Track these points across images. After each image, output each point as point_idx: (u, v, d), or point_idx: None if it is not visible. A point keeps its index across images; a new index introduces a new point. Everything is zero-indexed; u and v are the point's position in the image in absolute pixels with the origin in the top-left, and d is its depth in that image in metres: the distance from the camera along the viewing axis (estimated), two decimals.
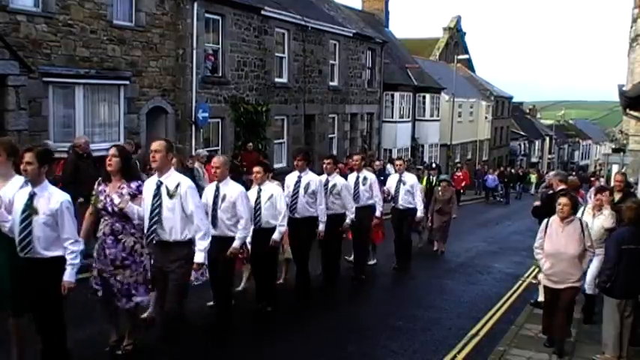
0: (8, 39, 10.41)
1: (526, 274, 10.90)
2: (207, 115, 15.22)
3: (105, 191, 5.40)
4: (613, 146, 40.37)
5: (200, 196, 5.66)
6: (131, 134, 13.36)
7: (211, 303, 6.93)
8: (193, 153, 13.58)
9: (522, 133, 54.35)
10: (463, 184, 25.02)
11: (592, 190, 9.12)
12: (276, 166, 17.16)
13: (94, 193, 5.49)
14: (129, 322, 5.72)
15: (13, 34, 10.70)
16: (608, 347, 6.19)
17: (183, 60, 14.65)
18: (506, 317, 8.14)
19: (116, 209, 5.26)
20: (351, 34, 22.61)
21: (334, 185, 8.35)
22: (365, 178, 9.21)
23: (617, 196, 7.99)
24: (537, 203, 8.86)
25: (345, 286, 9.05)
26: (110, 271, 5.39)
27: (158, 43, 14.07)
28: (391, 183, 10.34)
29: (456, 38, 46.56)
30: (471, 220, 19.15)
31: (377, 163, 14.09)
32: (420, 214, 10.29)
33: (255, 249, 7.05)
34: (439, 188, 12.74)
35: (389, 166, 18.23)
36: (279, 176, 8.83)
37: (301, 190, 7.73)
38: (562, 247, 6.23)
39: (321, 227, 7.88)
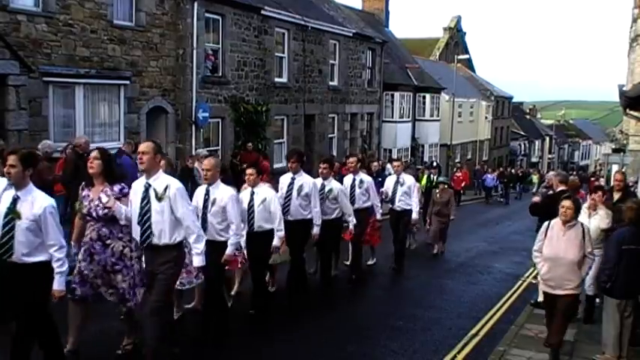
0: (8, 39, 10.42)
1: (526, 274, 10.90)
2: (207, 114, 15.22)
3: (89, 196, 5.27)
4: (613, 146, 40.41)
5: None
6: (131, 134, 13.36)
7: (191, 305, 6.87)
8: (193, 153, 13.60)
9: (522, 133, 54.35)
10: (463, 184, 25.07)
11: None
12: (276, 166, 17.19)
13: (78, 199, 5.36)
14: (126, 322, 5.67)
15: (13, 34, 10.70)
16: (608, 347, 6.18)
17: (184, 60, 14.65)
18: (507, 317, 8.13)
19: (102, 213, 5.13)
20: (351, 34, 22.60)
21: (330, 190, 8.20)
22: (361, 181, 9.14)
23: (616, 196, 7.95)
24: (535, 199, 8.75)
25: (345, 287, 9.05)
26: (101, 279, 5.27)
27: (158, 42, 14.07)
28: (389, 184, 10.30)
29: (456, 38, 46.54)
30: (471, 220, 19.16)
31: (374, 164, 14.01)
32: (415, 215, 10.22)
33: (250, 253, 6.97)
34: (437, 190, 12.70)
35: (389, 166, 18.23)
36: (277, 176, 8.75)
37: (294, 193, 7.58)
38: (562, 251, 6.00)
39: (315, 230, 7.73)
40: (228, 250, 6.07)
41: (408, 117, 29.00)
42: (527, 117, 61.46)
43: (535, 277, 9.39)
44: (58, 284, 4.61)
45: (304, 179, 7.70)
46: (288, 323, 7.19)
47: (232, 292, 7.72)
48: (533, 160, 56.37)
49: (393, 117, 27.43)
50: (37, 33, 11.23)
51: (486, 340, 7.12)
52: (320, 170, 8.34)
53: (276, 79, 18.40)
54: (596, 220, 7.22)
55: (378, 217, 9.60)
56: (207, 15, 15.28)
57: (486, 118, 42.01)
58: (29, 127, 10.82)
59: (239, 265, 7.32)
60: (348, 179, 9.22)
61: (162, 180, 5.15)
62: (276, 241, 6.98)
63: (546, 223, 6.32)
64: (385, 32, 30.35)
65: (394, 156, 24.74)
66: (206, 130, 15.84)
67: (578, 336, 7.05)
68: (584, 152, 74.22)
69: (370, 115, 25.42)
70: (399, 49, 32.55)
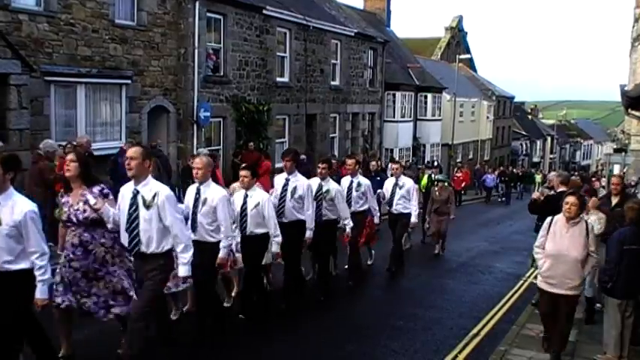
0: (10, 38, 10.43)
1: (527, 274, 10.88)
2: (208, 114, 15.24)
3: (68, 202, 5.11)
4: (615, 146, 40.39)
5: None
6: (133, 133, 13.38)
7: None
8: (195, 152, 13.60)
9: (524, 132, 54.31)
10: (463, 184, 25.04)
11: None
12: (277, 165, 17.18)
13: (58, 205, 5.22)
14: (125, 326, 5.57)
15: (15, 33, 10.71)
16: (609, 347, 6.18)
17: (185, 59, 14.66)
18: (508, 317, 8.13)
19: (82, 217, 5.01)
20: (353, 34, 22.61)
21: (328, 191, 8.09)
22: (359, 184, 9.06)
23: (614, 200, 7.73)
24: (535, 195, 8.52)
25: (344, 287, 9.04)
26: (83, 287, 5.13)
27: (160, 42, 14.09)
28: (387, 186, 10.21)
29: (457, 38, 46.48)
30: (471, 220, 19.14)
31: (372, 163, 13.90)
32: (414, 219, 10.11)
33: (243, 257, 6.87)
34: (436, 189, 12.68)
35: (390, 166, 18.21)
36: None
37: (288, 195, 7.42)
38: (565, 249, 5.90)
39: (308, 234, 7.54)
40: (221, 254, 5.97)
41: (410, 117, 29.00)
42: (529, 117, 61.40)
43: (536, 277, 9.38)
44: (40, 293, 4.47)
45: (299, 181, 7.51)
46: (287, 323, 7.19)
47: (232, 294, 7.69)
48: (535, 160, 56.32)
49: (394, 117, 27.42)
50: (39, 32, 11.24)
51: (487, 340, 7.12)
52: (319, 170, 8.25)
53: (278, 79, 18.41)
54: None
55: (376, 220, 9.53)
56: (208, 14, 15.30)
57: (488, 117, 41.98)
58: (31, 126, 10.83)
59: (228, 268, 7.11)
60: (345, 181, 9.13)
61: (150, 186, 4.99)
62: (274, 248, 6.86)
63: (549, 218, 6.17)
64: (387, 32, 30.36)
65: (395, 156, 24.77)
66: (207, 129, 15.85)
67: (579, 336, 7.03)
68: (585, 152, 74.11)
69: (372, 115, 25.41)
70: (401, 48, 32.55)
